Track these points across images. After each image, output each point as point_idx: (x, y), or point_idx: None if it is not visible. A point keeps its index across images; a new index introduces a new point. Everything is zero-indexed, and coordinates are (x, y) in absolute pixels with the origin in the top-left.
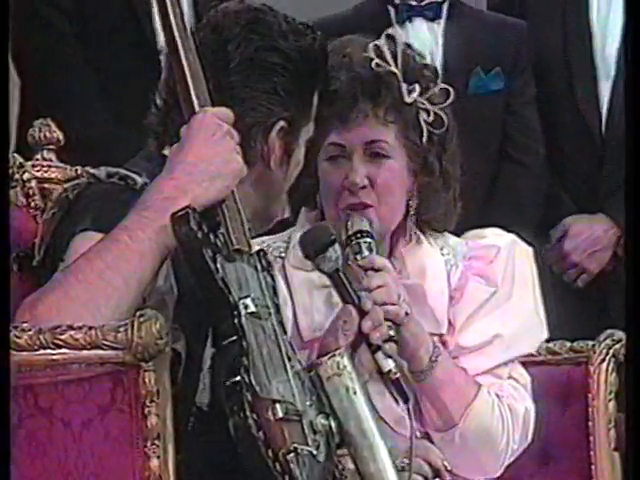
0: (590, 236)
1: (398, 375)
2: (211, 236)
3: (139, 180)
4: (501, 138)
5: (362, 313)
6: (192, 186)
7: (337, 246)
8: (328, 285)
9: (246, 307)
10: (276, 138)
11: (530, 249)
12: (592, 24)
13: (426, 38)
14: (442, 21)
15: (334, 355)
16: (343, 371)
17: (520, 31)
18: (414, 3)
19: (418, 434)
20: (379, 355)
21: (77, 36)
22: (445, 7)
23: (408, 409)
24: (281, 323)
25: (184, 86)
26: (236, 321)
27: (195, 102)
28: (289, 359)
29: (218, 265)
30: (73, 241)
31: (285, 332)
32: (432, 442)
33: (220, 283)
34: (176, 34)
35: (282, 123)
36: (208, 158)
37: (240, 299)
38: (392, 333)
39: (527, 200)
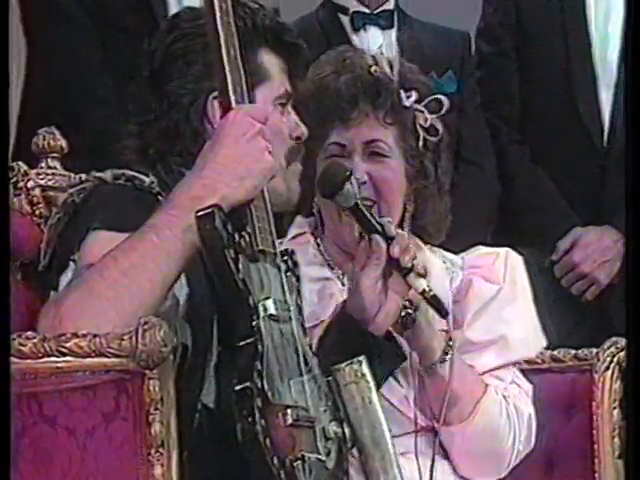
0: (600, 246)
1: (433, 292)
2: (236, 236)
3: (146, 180)
4: (456, 140)
5: (388, 240)
6: (221, 186)
7: (353, 179)
8: (322, 278)
9: (266, 309)
10: (217, 108)
11: (522, 260)
12: (591, 32)
13: (382, 45)
14: (394, 29)
15: (352, 362)
16: (361, 379)
17: (465, 38)
18: (367, 11)
19: (423, 423)
20: (411, 277)
21: (94, 30)
22: (395, 16)
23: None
24: (302, 325)
25: (222, 81)
26: (254, 323)
27: (232, 98)
28: (306, 363)
29: (240, 266)
30: (85, 241)
31: (305, 334)
32: (437, 436)
33: (240, 284)
34: (220, 28)
35: (215, 93)
36: (238, 158)
37: (260, 301)
38: (410, 311)
39: (484, 200)
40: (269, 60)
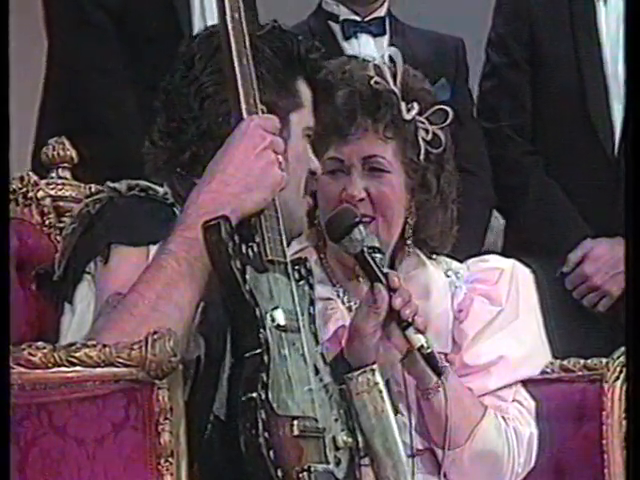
0: (611, 258)
1: (430, 350)
2: (243, 247)
3: (160, 190)
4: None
5: (390, 291)
6: (229, 198)
7: (362, 227)
8: (323, 298)
9: (273, 320)
10: None
11: (530, 273)
12: (602, 43)
13: (373, 53)
14: (386, 37)
15: (365, 371)
16: (373, 388)
17: (458, 46)
18: (358, 19)
19: (421, 447)
20: (410, 331)
21: (120, 40)
22: (387, 23)
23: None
24: (314, 334)
25: (234, 91)
26: (261, 335)
27: (244, 108)
28: (317, 372)
29: (247, 276)
30: (109, 262)
31: (317, 343)
32: (435, 458)
33: (247, 295)
34: (232, 38)
35: (261, 106)
36: (247, 170)
37: (268, 312)
38: None
39: (479, 208)
40: (304, 90)
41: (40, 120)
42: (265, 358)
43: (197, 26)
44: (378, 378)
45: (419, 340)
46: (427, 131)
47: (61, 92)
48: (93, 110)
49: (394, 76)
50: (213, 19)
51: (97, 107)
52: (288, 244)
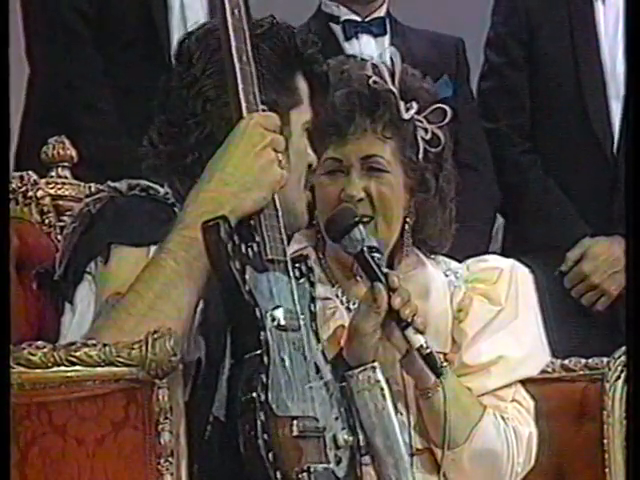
0: (609, 257)
1: (430, 350)
2: (242, 246)
3: (161, 190)
4: (453, 145)
5: (390, 291)
6: (228, 197)
7: (361, 227)
8: (322, 297)
9: (274, 319)
10: None
11: (529, 272)
12: (601, 42)
13: (374, 53)
14: (387, 36)
15: (365, 369)
16: (374, 386)
17: (457, 44)
18: (359, 19)
19: (420, 446)
20: (409, 331)
21: (96, 44)
22: (388, 23)
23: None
24: (315, 332)
25: (234, 88)
26: (261, 336)
27: (244, 106)
28: (317, 370)
29: (247, 277)
30: (109, 262)
31: (318, 341)
32: (435, 457)
33: (247, 296)
34: (232, 35)
35: (262, 106)
36: (247, 169)
37: (268, 311)
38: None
39: (482, 204)
40: (302, 86)
41: (23, 120)
42: (265, 359)
43: (176, 28)
44: (379, 376)
45: (418, 340)
46: (426, 130)
47: (41, 93)
48: (72, 113)
49: (392, 75)
50: (196, 17)
51: (75, 110)
52: (288, 241)
